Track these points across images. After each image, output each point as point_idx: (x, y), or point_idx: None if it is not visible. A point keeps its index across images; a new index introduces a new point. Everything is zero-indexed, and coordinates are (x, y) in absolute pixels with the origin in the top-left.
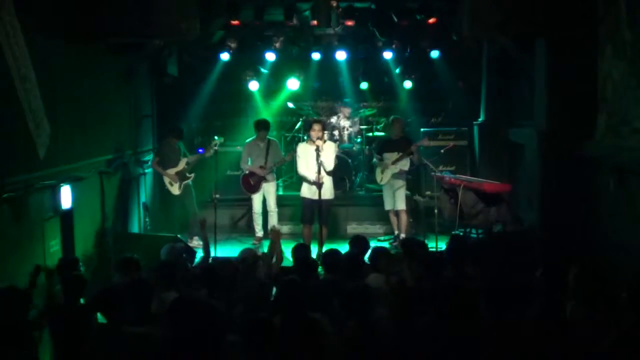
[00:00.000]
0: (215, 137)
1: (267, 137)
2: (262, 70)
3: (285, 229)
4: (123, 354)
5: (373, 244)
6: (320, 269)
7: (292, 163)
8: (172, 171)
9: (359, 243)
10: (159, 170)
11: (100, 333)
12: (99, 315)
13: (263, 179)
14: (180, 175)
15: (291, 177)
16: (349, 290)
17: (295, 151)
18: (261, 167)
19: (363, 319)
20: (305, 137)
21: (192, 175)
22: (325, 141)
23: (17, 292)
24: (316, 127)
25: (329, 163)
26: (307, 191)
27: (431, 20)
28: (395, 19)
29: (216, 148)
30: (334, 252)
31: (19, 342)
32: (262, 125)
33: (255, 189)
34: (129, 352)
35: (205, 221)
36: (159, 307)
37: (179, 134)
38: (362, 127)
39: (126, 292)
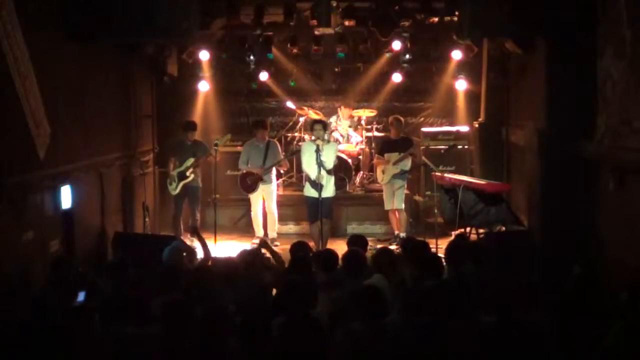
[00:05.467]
0: (217, 141)
1: (267, 138)
2: (262, 70)
3: (284, 229)
4: (123, 354)
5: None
6: None
7: (293, 162)
8: (174, 171)
9: (358, 243)
10: (168, 169)
11: (100, 334)
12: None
13: (260, 179)
14: (180, 175)
15: (291, 177)
16: (358, 291)
17: (300, 148)
18: (259, 167)
19: (371, 320)
20: (312, 136)
21: (192, 176)
22: (328, 141)
23: None
24: (317, 127)
25: (328, 162)
26: (309, 189)
27: (431, 20)
28: (395, 19)
29: (216, 148)
30: (331, 252)
31: None
32: (259, 125)
33: (252, 189)
34: (129, 352)
35: (196, 228)
36: (161, 309)
37: (185, 127)
38: (362, 127)
39: (126, 293)
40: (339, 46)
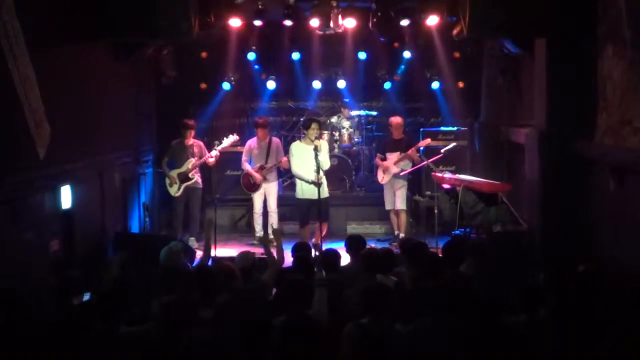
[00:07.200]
0: (217, 142)
1: (270, 136)
2: (262, 70)
3: (285, 229)
4: (120, 353)
5: (373, 243)
6: None
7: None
8: (174, 172)
9: (356, 243)
10: (164, 169)
11: (98, 334)
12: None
13: (263, 178)
14: (182, 177)
15: (291, 177)
16: (369, 288)
17: (289, 150)
18: (261, 166)
19: (380, 318)
20: (301, 136)
21: (195, 177)
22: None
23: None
24: (314, 126)
25: (326, 162)
26: (304, 191)
27: (431, 21)
28: (396, 19)
29: (217, 154)
30: (333, 252)
31: None
32: (260, 124)
33: (255, 188)
34: (126, 351)
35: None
36: (160, 309)
37: (183, 126)
38: (362, 127)
39: (125, 294)
40: (340, 46)
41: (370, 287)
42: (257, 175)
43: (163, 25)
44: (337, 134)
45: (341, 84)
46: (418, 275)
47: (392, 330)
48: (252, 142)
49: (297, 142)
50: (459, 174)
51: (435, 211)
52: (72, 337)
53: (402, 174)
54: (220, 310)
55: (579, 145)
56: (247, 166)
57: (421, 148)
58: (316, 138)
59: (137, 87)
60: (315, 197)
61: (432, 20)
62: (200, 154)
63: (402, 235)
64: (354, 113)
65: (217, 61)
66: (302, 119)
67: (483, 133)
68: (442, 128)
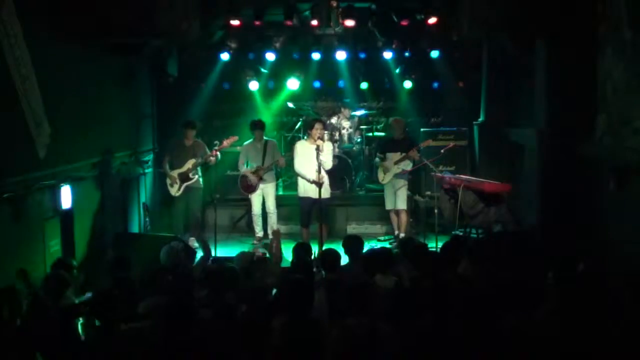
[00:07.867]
0: (217, 142)
1: (265, 137)
2: (262, 70)
3: (285, 229)
4: (120, 349)
5: (373, 243)
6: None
7: (291, 162)
8: (174, 172)
9: (353, 243)
10: (165, 169)
11: (97, 332)
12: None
13: (260, 179)
14: (182, 177)
15: (291, 177)
16: (353, 287)
17: (293, 149)
18: (258, 167)
19: (365, 318)
20: (305, 136)
21: (195, 177)
22: (324, 141)
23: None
24: (318, 126)
25: (328, 162)
26: (306, 190)
27: (431, 21)
28: (395, 19)
29: (215, 148)
30: (332, 252)
31: None
32: (256, 125)
33: (253, 189)
34: (126, 351)
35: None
36: (154, 310)
37: (185, 126)
38: (362, 127)
39: (118, 294)
40: (339, 46)
41: (356, 286)
42: (254, 178)
43: (163, 25)
44: (337, 134)
45: (341, 84)
46: (418, 275)
47: (377, 330)
48: (248, 144)
49: (302, 141)
50: (459, 174)
51: (435, 211)
52: (71, 336)
53: (402, 173)
54: (220, 310)
55: (579, 145)
56: (243, 168)
57: (421, 148)
58: (319, 138)
59: (137, 87)
60: (317, 196)
61: (432, 20)
62: (200, 154)
63: (402, 235)
64: (354, 113)
65: (218, 61)
66: (302, 119)
67: (483, 133)
68: (442, 128)
